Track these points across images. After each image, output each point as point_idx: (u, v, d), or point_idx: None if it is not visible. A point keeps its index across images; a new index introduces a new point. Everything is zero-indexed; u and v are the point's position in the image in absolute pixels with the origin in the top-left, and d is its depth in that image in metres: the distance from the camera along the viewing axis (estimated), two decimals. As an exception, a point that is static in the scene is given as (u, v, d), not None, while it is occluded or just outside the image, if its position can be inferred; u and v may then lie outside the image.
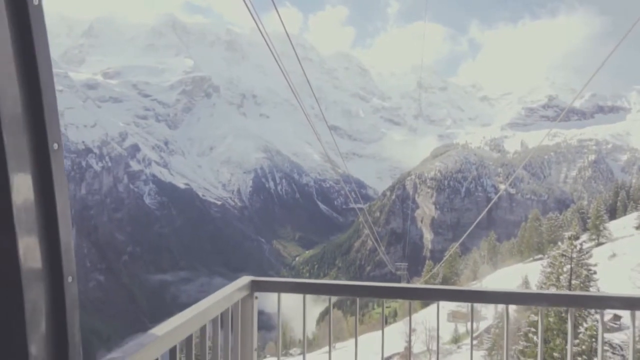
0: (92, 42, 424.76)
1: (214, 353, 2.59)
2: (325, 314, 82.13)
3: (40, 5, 1.53)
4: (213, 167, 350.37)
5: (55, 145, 1.61)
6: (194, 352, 2.30)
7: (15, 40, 1.46)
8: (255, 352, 3.04)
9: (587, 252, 22.63)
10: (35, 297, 1.52)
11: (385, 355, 38.98)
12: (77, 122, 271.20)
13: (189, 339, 2.27)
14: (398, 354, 41.33)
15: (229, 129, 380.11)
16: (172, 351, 2.10)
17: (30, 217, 1.52)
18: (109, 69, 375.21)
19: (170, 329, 2.10)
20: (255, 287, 3.04)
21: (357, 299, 3.28)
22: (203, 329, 2.41)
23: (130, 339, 1.79)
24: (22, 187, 1.48)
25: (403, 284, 3.71)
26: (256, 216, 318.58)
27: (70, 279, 1.66)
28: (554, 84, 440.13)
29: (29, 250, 1.52)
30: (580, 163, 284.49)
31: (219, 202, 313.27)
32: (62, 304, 1.61)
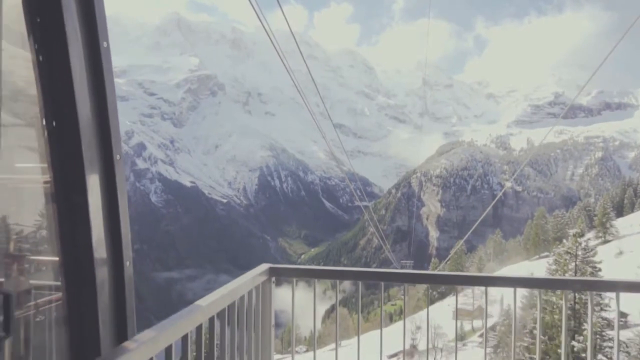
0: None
1: (240, 327, 2.93)
2: (331, 311, 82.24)
3: (108, 48, 2.05)
4: (219, 165, 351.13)
5: (118, 156, 2.13)
6: (223, 326, 2.67)
7: (89, 74, 1.97)
8: (273, 327, 3.42)
9: (592, 250, 22.60)
10: (102, 276, 2.01)
11: (391, 352, 39.08)
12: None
13: (220, 313, 2.63)
14: (403, 351, 41.34)
15: (234, 127, 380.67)
16: (198, 328, 2.37)
17: (100, 213, 2.01)
18: (115, 68, 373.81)
19: (204, 305, 2.46)
20: (273, 272, 3.45)
21: (359, 285, 3.75)
22: (231, 306, 2.78)
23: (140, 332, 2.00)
24: (94, 189, 1.98)
25: (420, 271, 4.07)
26: (262, 214, 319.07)
27: (128, 264, 2.16)
28: (560, 80, 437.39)
29: (99, 239, 2.00)
30: (587, 160, 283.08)
31: (225, 200, 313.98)
32: (121, 282, 2.10)
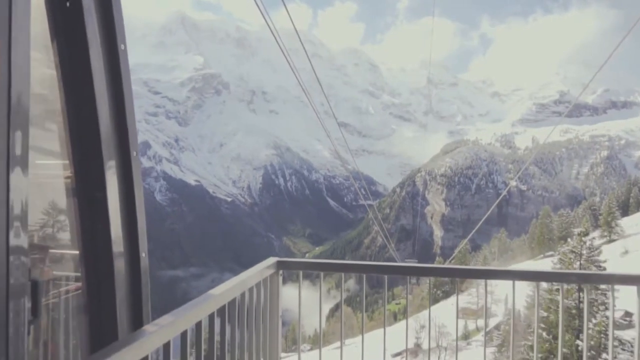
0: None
1: (249, 317, 3.05)
2: (335, 310, 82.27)
3: (125, 50, 2.19)
4: (223, 163, 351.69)
5: (135, 153, 2.26)
6: (233, 315, 2.81)
7: (108, 76, 2.10)
8: (280, 318, 3.55)
9: (597, 249, 22.53)
10: (120, 267, 2.14)
11: (395, 351, 39.08)
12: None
13: (231, 303, 2.75)
14: (407, 350, 41.34)
15: (238, 126, 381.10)
16: (210, 316, 2.46)
17: (117, 207, 2.13)
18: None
19: (217, 294, 2.59)
20: (280, 265, 3.60)
21: (364, 278, 3.94)
22: (242, 296, 2.91)
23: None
24: (112, 184, 2.10)
25: (425, 264, 4.23)
26: (266, 212, 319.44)
27: (143, 255, 2.31)
28: (565, 79, 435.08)
29: (117, 232, 2.13)
30: (593, 159, 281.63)
31: (229, 199, 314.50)
32: (138, 273, 2.24)
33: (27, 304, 1.61)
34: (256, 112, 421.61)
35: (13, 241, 1.52)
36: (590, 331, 16.67)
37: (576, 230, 23.37)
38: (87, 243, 2.08)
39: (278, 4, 7.08)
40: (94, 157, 2.06)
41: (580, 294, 18.98)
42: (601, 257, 22.99)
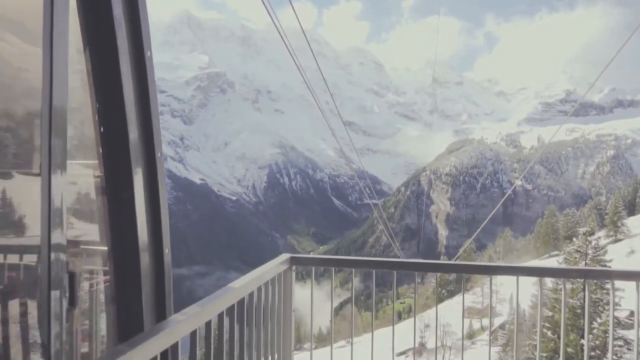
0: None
1: (265, 310, 3.17)
2: (339, 309, 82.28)
3: (151, 57, 2.34)
4: (228, 162, 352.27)
5: (159, 154, 2.40)
6: (251, 309, 2.93)
7: (135, 81, 2.26)
8: (293, 312, 3.69)
9: (602, 249, 22.46)
10: (146, 261, 2.28)
11: (400, 350, 39.08)
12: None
13: (249, 296, 2.87)
14: (412, 349, 41.33)
15: (243, 125, 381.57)
16: (230, 309, 2.58)
17: (143, 205, 2.28)
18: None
19: (236, 287, 2.72)
20: (293, 261, 3.76)
21: (373, 273, 4.08)
22: (259, 289, 3.03)
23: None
24: (139, 183, 2.25)
25: (433, 260, 4.46)
26: (271, 211, 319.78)
27: (167, 251, 2.44)
28: (571, 78, 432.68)
29: (143, 229, 2.27)
30: (599, 158, 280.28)
31: (234, 198, 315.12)
32: (161, 268, 2.38)
33: (66, 295, 1.77)
34: (261, 111, 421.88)
35: (54, 238, 1.67)
36: (595, 330, 16.65)
37: (582, 230, 23.30)
38: (115, 239, 2.20)
39: (283, 2, 7.09)
40: (122, 158, 2.18)
41: (586, 293, 18.91)
42: (607, 257, 22.92)
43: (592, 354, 16.24)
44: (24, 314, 1.74)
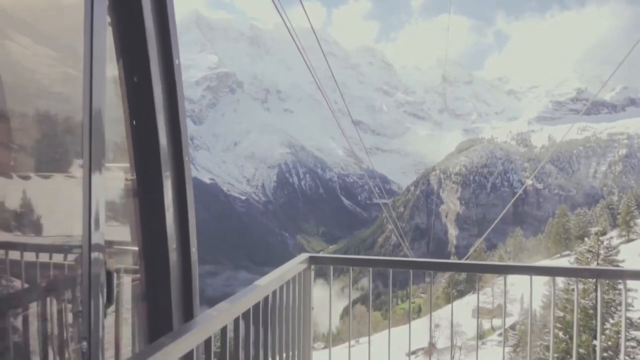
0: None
1: (287, 308, 3.27)
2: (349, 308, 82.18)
3: (179, 65, 2.47)
4: (237, 162, 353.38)
5: (186, 158, 2.51)
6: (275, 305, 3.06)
7: (165, 89, 2.38)
8: (312, 310, 3.80)
9: (614, 248, 22.22)
10: (174, 259, 2.40)
11: (410, 350, 38.99)
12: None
13: (273, 294, 2.98)
14: (422, 349, 41.23)
15: (253, 124, 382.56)
16: (256, 306, 2.69)
17: (172, 207, 2.40)
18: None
19: (262, 285, 2.83)
20: (312, 261, 3.85)
21: (390, 272, 4.16)
22: (281, 288, 3.13)
23: None
24: (167, 185, 2.36)
25: (447, 260, 4.56)
26: (280, 211, 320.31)
27: (193, 249, 2.55)
28: (582, 76, 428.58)
29: (171, 229, 2.39)
30: (611, 157, 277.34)
31: (244, 197, 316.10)
32: (189, 265, 2.50)
33: (104, 292, 1.89)
34: (270, 111, 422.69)
35: (94, 239, 1.79)
36: (607, 331, 16.48)
37: (593, 230, 23.07)
38: (146, 239, 2.32)
39: (292, 2, 7.09)
40: (153, 162, 2.30)
41: (598, 293, 18.74)
42: (619, 257, 22.68)
43: (605, 355, 16.07)
44: (66, 310, 1.86)
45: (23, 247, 1.67)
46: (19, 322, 1.67)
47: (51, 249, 1.80)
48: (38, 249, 1.74)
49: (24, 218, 1.67)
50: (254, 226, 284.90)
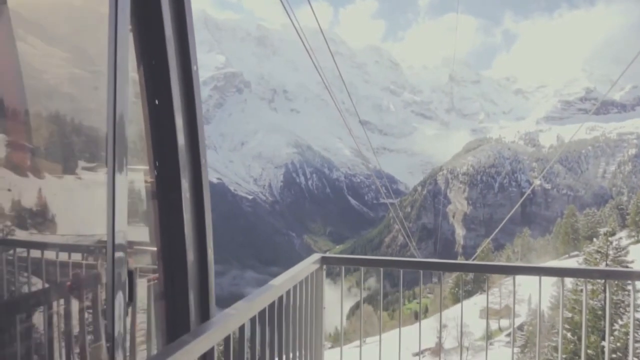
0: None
1: (300, 307, 3.35)
2: (355, 309, 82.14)
3: (197, 71, 2.58)
4: (244, 162, 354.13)
5: (203, 160, 2.61)
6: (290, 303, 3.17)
7: (183, 94, 2.48)
8: (323, 309, 3.87)
9: (624, 249, 22.04)
10: (192, 258, 2.51)
11: (417, 350, 38.92)
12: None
13: (287, 293, 3.07)
14: (429, 349, 41.16)
15: (260, 124, 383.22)
16: (271, 305, 2.76)
17: (189, 208, 2.50)
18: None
19: (277, 284, 2.91)
20: (324, 261, 3.93)
21: (401, 273, 4.27)
22: (295, 288, 3.21)
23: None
24: (185, 187, 2.47)
25: (458, 261, 4.63)
26: (287, 211, 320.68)
27: (210, 249, 2.66)
28: (592, 75, 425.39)
29: (189, 229, 2.48)
30: (620, 157, 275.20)
31: (251, 197, 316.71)
32: (205, 264, 2.60)
33: (125, 290, 1.96)
34: (277, 111, 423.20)
35: (117, 239, 1.87)
36: (616, 332, 16.37)
37: (602, 230, 22.91)
38: (164, 239, 2.41)
39: (298, 2, 7.10)
40: (172, 165, 2.38)
41: (607, 294, 18.61)
42: (628, 258, 22.50)
43: (614, 356, 15.97)
44: (90, 308, 1.94)
45: (53, 247, 1.76)
46: (45, 320, 1.73)
47: (76, 248, 1.86)
48: (66, 248, 1.82)
49: (50, 218, 1.72)
50: (261, 226, 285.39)
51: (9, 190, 1.51)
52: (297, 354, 3.35)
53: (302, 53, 7.10)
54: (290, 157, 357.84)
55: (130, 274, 2.05)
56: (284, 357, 3.03)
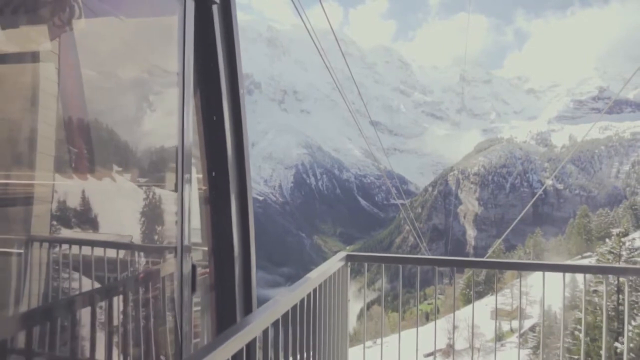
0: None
1: (327, 300, 3.56)
2: (367, 309, 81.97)
3: (244, 94, 3.01)
4: (255, 162, 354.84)
5: (248, 171, 3.05)
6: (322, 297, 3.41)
7: (231, 116, 2.88)
8: (348, 302, 4.15)
9: (637, 250, 21.81)
10: (238, 256, 2.90)
11: (427, 351, 38.74)
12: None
13: (320, 285, 3.32)
14: (440, 350, 40.97)
15: (270, 125, 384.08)
16: (308, 296, 2.99)
17: (236, 213, 2.89)
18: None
19: (313, 278, 3.16)
20: (349, 258, 4.23)
21: (418, 269, 4.59)
22: (325, 282, 3.45)
23: None
24: (233, 194, 2.84)
25: (471, 258, 4.75)
26: (297, 211, 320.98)
27: (253, 249, 3.05)
28: (605, 74, 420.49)
29: (236, 230, 2.88)
30: (634, 157, 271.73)
31: (261, 198, 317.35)
32: (249, 262, 2.96)
33: (189, 283, 2.32)
34: (287, 111, 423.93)
35: (185, 241, 2.23)
36: (630, 333, 16.22)
37: (615, 231, 22.69)
38: (215, 240, 2.75)
39: (309, 3, 7.14)
40: (222, 175, 2.74)
41: (620, 295, 18.46)
42: (642, 258, 22.24)
43: (628, 357, 15.85)
44: (162, 298, 2.30)
45: (138, 248, 2.16)
46: (125, 308, 2.10)
47: (153, 249, 2.22)
48: (151, 250, 2.19)
49: (136, 223, 2.09)
50: (272, 227, 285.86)
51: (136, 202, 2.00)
52: (326, 346, 3.55)
53: (312, 54, 7.11)
54: (301, 157, 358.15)
55: (193, 268, 2.40)
56: (317, 339, 3.24)
